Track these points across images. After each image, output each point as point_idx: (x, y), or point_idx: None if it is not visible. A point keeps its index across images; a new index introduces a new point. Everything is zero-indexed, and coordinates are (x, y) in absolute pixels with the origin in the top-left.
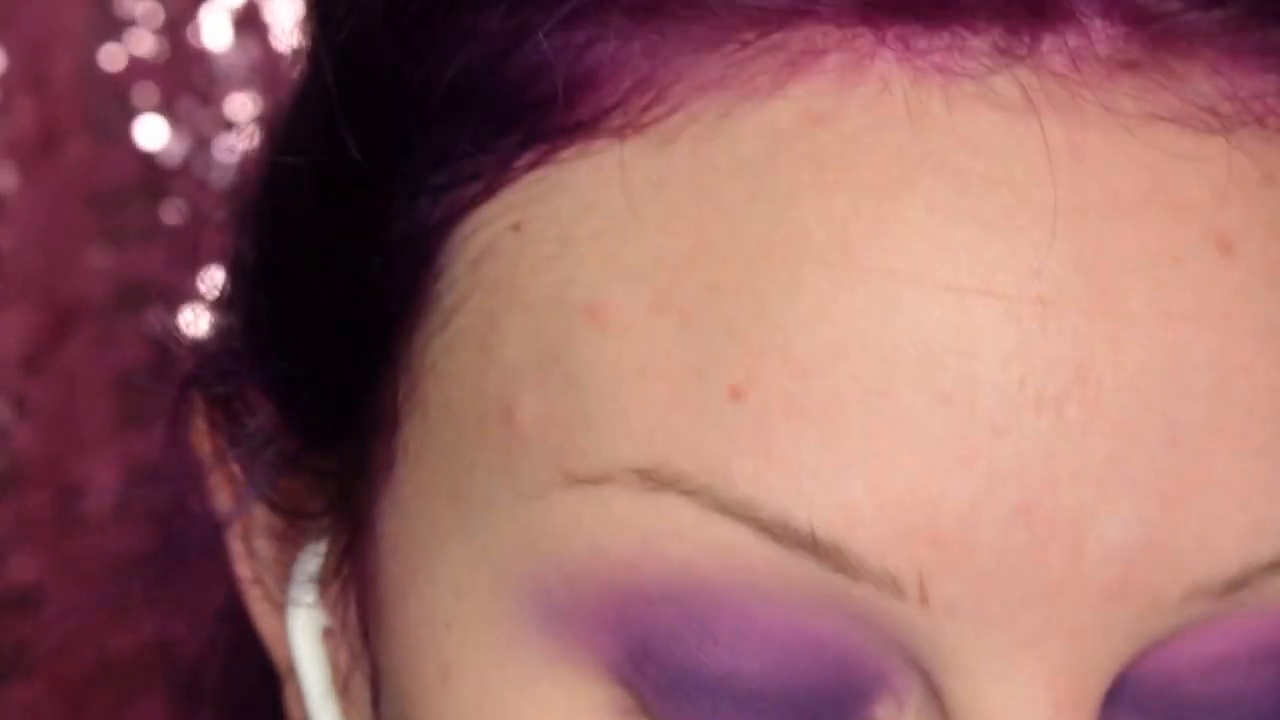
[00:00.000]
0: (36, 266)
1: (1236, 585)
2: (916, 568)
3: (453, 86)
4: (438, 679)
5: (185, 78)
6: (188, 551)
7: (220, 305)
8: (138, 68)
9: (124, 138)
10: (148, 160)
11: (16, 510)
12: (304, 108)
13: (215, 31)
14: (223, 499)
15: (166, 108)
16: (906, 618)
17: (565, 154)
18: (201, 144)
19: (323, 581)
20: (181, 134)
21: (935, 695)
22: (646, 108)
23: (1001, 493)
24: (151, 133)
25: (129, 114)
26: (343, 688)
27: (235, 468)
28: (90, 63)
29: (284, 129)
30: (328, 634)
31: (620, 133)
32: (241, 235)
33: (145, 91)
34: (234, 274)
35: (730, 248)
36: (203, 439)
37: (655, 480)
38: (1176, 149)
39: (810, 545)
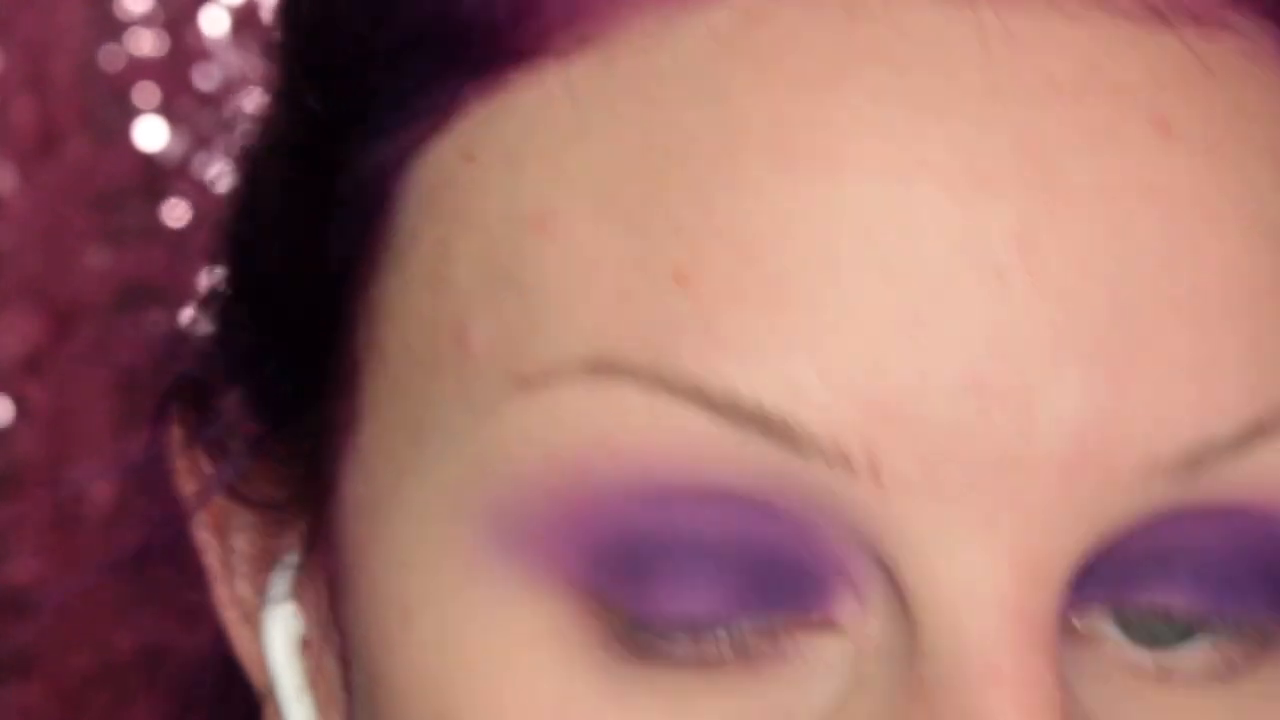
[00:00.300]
0: (36, 266)
1: (1192, 462)
2: (866, 442)
3: (405, 30)
4: (398, 624)
5: (185, 78)
6: (185, 553)
7: (206, 308)
8: (138, 68)
9: (124, 138)
10: (148, 160)
11: (16, 511)
12: (275, 89)
13: (215, 32)
14: (202, 532)
15: (166, 108)
16: (860, 498)
17: (513, 79)
18: (201, 144)
19: (299, 584)
20: (181, 134)
21: (897, 591)
22: (591, 24)
23: (949, 365)
24: (151, 133)
25: (129, 114)
26: (325, 700)
27: (205, 465)
28: (90, 63)
29: (260, 123)
30: (306, 645)
31: (565, 53)
32: (220, 233)
33: (145, 91)
34: (214, 276)
35: (672, 146)
36: (181, 456)
37: (603, 370)
38: (1113, 36)
39: (760, 421)
